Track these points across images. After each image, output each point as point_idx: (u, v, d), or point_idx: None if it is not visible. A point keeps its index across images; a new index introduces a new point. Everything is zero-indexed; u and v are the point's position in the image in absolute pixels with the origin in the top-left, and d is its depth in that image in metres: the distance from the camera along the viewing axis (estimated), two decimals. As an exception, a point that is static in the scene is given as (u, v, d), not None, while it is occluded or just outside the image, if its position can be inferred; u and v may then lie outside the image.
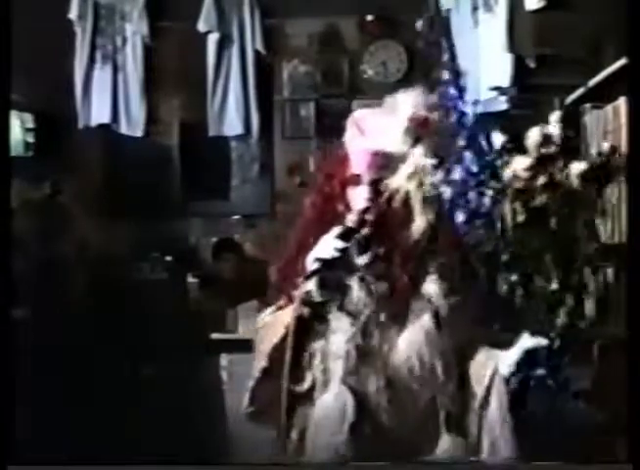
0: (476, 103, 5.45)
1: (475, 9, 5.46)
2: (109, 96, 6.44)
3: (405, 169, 2.32)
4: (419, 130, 2.35)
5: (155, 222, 6.35)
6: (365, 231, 2.30)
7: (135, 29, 6.42)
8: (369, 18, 6.49)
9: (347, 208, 2.37)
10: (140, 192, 6.44)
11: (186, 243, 6.53)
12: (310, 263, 2.28)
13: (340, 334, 2.31)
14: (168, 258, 6.31)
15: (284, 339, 2.32)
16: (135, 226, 6.28)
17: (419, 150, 2.33)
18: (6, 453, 2.44)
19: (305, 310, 2.31)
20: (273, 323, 2.40)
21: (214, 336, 5.67)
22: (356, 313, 2.30)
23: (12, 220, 2.92)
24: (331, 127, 6.44)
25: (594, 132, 4.40)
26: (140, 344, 5.47)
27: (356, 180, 2.36)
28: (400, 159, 2.34)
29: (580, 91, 4.63)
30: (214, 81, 6.40)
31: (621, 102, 4.02)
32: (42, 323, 5.30)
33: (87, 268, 5.99)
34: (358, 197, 2.35)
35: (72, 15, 6.33)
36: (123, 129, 6.50)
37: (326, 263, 2.26)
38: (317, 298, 2.29)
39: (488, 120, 5.42)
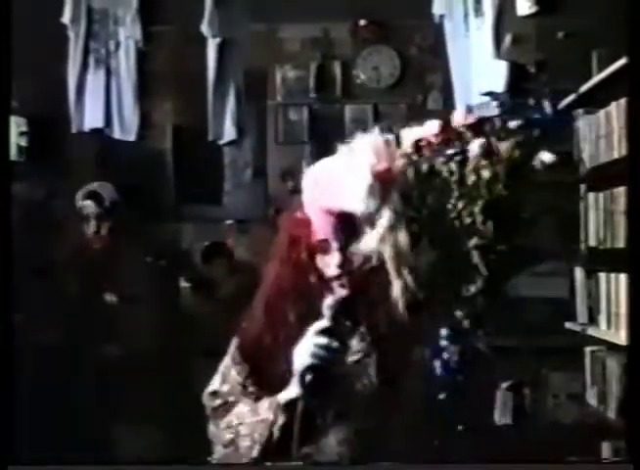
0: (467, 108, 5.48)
1: (466, 15, 5.48)
2: (102, 100, 6.44)
3: (375, 233, 2.06)
4: (383, 185, 2.07)
5: (148, 226, 6.34)
6: (349, 311, 2.07)
7: (128, 34, 6.42)
8: (362, 23, 6.50)
9: (320, 278, 2.14)
10: (133, 196, 6.44)
11: (178, 247, 6.53)
12: (299, 373, 2.03)
13: (331, 435, 2.12)
14: (161, 263, 6.30)
15: (266, 445, 2.10)
16: (128, 230, 6.28)
17: (387, 210, 2.06)
18: (6, 453, 2.43)
19: (288, 418, 2.07)
20: (251, 418, 2.15)
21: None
22: (354, 414, 2.11)
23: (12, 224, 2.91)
24: (324, 132, 6.46)
25: (586, 138, 4.42)
26: (132, 347, 5.47)
27: (325, 247, 2.14)
28: (367, 219, 2.07)
29: (573, 96, 4.65)
30: (215, 86, 6.40)
31: (613, 107, 4.04)
32: (38, 325, 5.31)
33: (80, 272, 5.98)
34: (329, 264, 2.12)
35: (66, 19, 6.33)
36: (117, 134, 6.50)
37: (316, 370, 2.01)
38: (311, 404, 2.05)
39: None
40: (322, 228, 2.13)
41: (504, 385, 4.54)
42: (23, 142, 6.27)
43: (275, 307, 2.19)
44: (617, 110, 4.00)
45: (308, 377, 2.00)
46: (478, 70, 5.33)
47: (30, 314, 5.21)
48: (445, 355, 2.14)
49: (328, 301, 2.07)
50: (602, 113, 4.20)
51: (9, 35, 2.85)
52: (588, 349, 4.37)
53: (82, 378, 5.34)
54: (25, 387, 4.48)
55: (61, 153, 6.48)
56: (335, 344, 2.02)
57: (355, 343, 2.12)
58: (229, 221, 6.55)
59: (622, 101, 3.89)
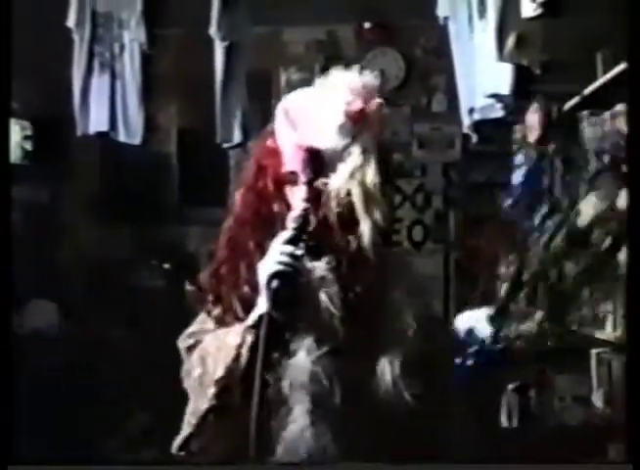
0: (471, 111, 5.48)
1: (470, 17, 5.48)
2: (107, 104, 6.43)
3: (344, 169, 2.08)
4: (355, 125, 2.09)
5: (153, 230, 6.35)
6: (312, 234, 2.07)
7: (133, 37, 6.42)
8: (367, 25, 6.50)
9: (286, 207, 2.14)
10: (138, 199, 6.45)
11: (184, 250, 6.53)
12: (266, 281, 2.02)
13: (302, 353, 2.06)
14: (166, 266, 6.31)
15: (232, 366, 2.06)
16: (133, 233, 6.29)
17: (356, 148, 2.08)
18: (6, 453, 2.43)
19: (261, 333, 2.02)
20: (218, 346, 2.12)
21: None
22: (322, 328, 2.05)
23: (13, 227, 2.92)
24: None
25: (591, 139, 4.41)
26: (138, 351, 5.48)
27: (292, 179, 2.13)
28: (337, 156, 2.09)
29: (577, 98, 4.64)
30: (222, 88, 6.40)
31: (619, 109, 4.03)
32: (42, 327, 5.32)
33: (85, 275, 5.99)
34: (296, 197, 2.12)
35: (70, 22, 6.33)
36: (121, 137, 6.49)
37: (282, 276, 2.01)
38: (278, 318, 2.02)
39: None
40: (291, 160, 2.14)
41: (510, 387, 4.54)
42: (28, 146, 6.28)
43: (237, 236, 2.21)
44: (622, 111, 3.99)
45: (275, 283, 2.01)
46: (482, 72, 5.33)
47: (32, 316, 5.23)
48: None
49: (292, 214, 2.08)
50: (607, 114, 4.20)
51: (9, 38, 2.85)
52: (594, 351, 4.36)
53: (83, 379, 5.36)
54: (25, 387, 4.49)
55: (65, 156, 6.49)
56: (299, 251, 2.03)
57: (319, 264, 2.08)
58: (234, 224, 6.54)
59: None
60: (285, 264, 2.01)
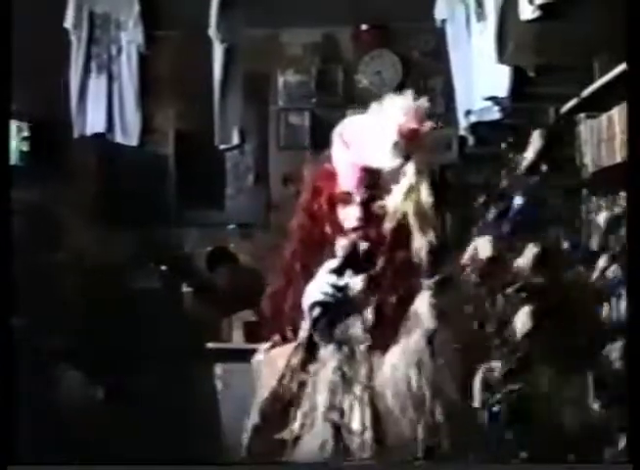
0: (468, 113, 5.48)
1: (468, 19, 5.49)
2: (104, 105, 6.44)
3: (400, 189, 2.15)
4: (409, 145, 2.17)
5: (149, 232, 6.34)
6: (360, 253, 2.16)
7: (130, 39, 6.42)
8: (364, 27, 6.50)
9: (337, 229, 2.22)
10: (135, 201, 6.44)
11: (181, 252, 6.53)
12: (308, 307, 2.16)
13: (328, 365, 2.19)
14: (163, 268, 6.30)
15: (277, 387, 2.22)
16: (130, 235, 6.28)
17: (411, 167, 2.15)
18: (6, 453, 2.43)
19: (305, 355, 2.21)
20: (267, 367, 2.29)
21: (209, 345, 5.68)
22: (345, 341, 2.18)
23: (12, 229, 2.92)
24: (326, 137, 6.45)
25: (588, 142, 4.42)
26: (135, 352, 5.47)
27: (346, 199, 2.20)
28: (391, 175, 2.17)
29: (574, 101, 4.64)
30: (220, 91, 6.40)
31: (616, 111, 4.03)
32: (40, 328, 5.31)
33: (82, 277, 5.98)
34: (349, 216, 2.19)
35: (68, 24, 6.34)
36: (118, 138, 6.50)
37: (323, 306, 2.14)
38: (321, 343, 2.18)
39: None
40: (346, 181, 2.21)
41: (508, 388, 4.54)
42: (25, 147, 6.27)
43: (292, 260, 2.30)
44: (619, 114, 3.99)
45: (316, 312, 2.14)
46: (479, 75, 5.34)
47: (31, 318, 5.22)
48: None
49: (342, 242, 2.18)
50: (604, 117, 4.20)
51: (9, 40, 2.85)
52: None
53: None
54: (25, 387, 4.49)
55: (62, 158, 6.48)
56: (342, 282, 2.14)
57: (358, 285, 2.18)
58: (231, 226, 6.55)
59: (625, 105, 3.88)
60: (326, 295, 2.13)
